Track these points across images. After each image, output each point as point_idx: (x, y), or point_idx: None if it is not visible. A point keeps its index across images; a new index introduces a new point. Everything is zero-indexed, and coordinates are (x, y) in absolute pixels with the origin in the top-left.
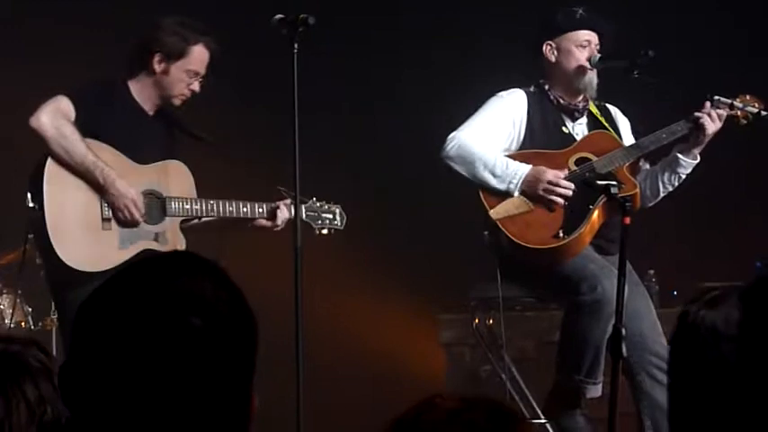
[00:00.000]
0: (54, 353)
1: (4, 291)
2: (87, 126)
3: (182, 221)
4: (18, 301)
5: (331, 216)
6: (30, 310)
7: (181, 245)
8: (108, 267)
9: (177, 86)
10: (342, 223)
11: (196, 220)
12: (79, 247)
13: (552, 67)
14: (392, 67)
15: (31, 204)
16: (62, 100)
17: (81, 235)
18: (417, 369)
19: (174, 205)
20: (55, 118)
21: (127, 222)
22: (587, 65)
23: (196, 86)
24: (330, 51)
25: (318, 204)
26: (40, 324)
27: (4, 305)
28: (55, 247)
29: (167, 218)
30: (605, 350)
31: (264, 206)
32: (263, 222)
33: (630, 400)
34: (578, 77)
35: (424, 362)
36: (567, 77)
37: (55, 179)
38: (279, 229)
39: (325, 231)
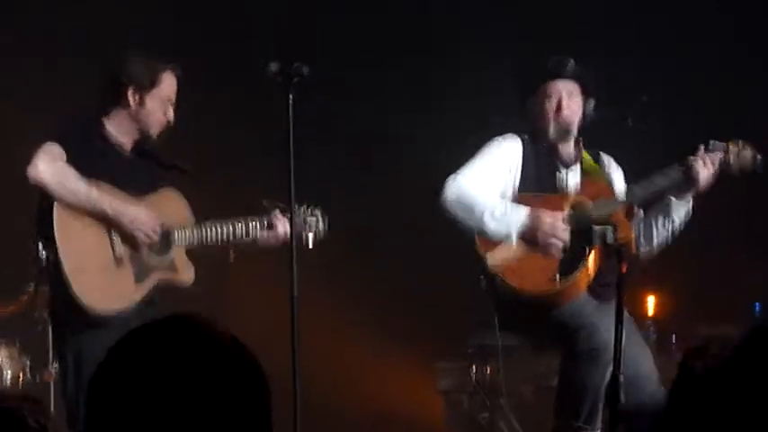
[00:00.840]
0: (52, 405)
1: (3, 343)
2: (78, 166)
3: (187, 250)
4: (17, 353)
5: (314, 219)
6: (28, 362)
7: (191, 273)
8: (129, 304)
9: (154, 116)
10: (325, 224)
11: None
12: (99, 290)
13: (533, 120)
14: (388, 111)
15: (44, 254)
16: (53, 145)
17: (99, 277)
18: (416, 416)
19: (178, 234)
20: (52, 163)
21: (151, 241)
22: (553, 114)
23: (171, 114)
24: (325, 95)
25: (301, 209)
26: (38, 376)
27: (2, 357)
28: (77, 293)
29: (174, 247)
30: (603, 396)
31: (257, 220)
32: (261, 235)
33: None
34: (546, 128)
35: (422, 409)
36: (543, 129)
37: (64, 225)
38: (273, 242)
39: (311, 236)
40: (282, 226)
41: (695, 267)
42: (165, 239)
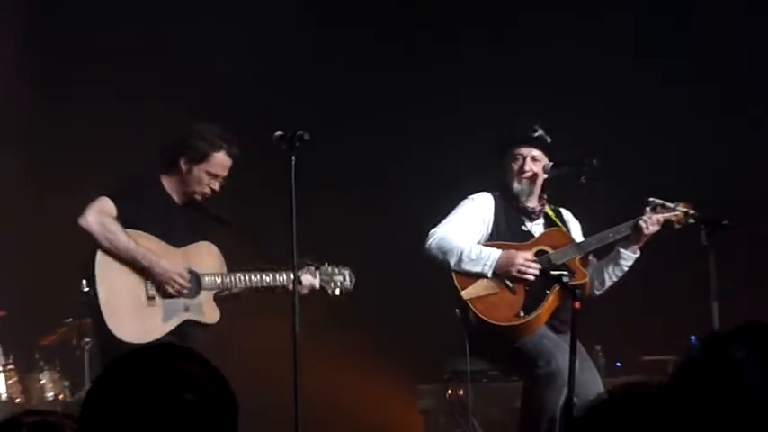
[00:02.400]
0: None
1: (46, 367)
2: (128, 218)
3: (215, 294)
4: (57, 377)
5: (341, 278)
6: (67, 384)
7: (216, 314)
8: (155, 338)
9: (198, 185)
10: (351, 283)
11: (227, 292)
12: (128, 323)
13: (503, 178)
14: (386, 163)
15: (86, 289)
16: (104, 200)
17: (129, 312)
18: None
19: (208, 280)
20: (100, 216)
21: (180, 293)
22: (517, 174)
23: (216, 186)
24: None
25: (330, 269)
26: (76, 396)
27: (45, 380)
28: (108, 324)
29: (203, 291)
30: (559, 415)
31: (285, 274)
32: (290, 287)
33: None
34: (512, 185)
35: (403, 426)
36: (510, 185)
37: (104, 268)
38: (305, 293)
39: (337, 292)
40: (308, 282)
41: (640, 303)
42: (196, 284)
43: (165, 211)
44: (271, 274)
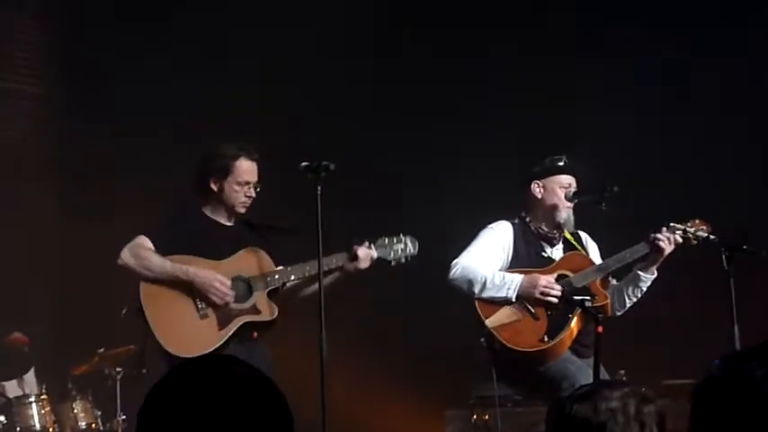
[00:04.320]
0: None
1: (78, 397)
2: (167, 249)
3: (271, 292)
4: (90, 406)
5: (402, 245)
6: (99, 413)
7: (273, 311)
8: (214, 347)
9: (235, 197)
10: (415, 248)
11: (285, 286)
12: (183, 339)
13: (537, 202)
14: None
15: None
16: (140, 237)
17: (183, 330)
18: None
19: (258, 282)
20: (132, 250)
21: (223, 300)
22: (566, 203)
23: (252, 192)
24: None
25: (387, 240)
26: (108, 425)
27: (78, 409)
28: (164, 345)
29: (255, 293)
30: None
31: (338, 256)
32: (348, 266)
33: None
34: (558, 212)
35: None
36: (549, 212)
37: (150, 296)
38: (365, 266)
39: (402, 260)
40: (363, 254)
41: (662, 328)
42: (247, 289)
43: (207, 235)
44: (324, 260)
